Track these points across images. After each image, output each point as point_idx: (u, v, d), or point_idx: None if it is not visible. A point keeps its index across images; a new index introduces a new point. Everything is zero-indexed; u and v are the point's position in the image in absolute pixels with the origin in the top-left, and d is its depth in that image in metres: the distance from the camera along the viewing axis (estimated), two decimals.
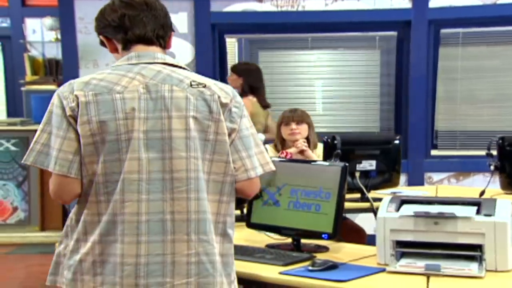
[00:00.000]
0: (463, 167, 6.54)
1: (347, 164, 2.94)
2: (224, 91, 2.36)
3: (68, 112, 2.23)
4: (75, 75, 6.78)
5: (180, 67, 2.37)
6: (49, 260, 2.39)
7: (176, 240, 2.21)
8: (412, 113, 6.64)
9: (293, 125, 4.79)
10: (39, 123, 2.32)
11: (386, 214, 2.75)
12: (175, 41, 6.58)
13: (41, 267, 6.10)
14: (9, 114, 8.74)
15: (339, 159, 4.09)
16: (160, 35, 2.40)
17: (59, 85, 8.14)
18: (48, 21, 8.45)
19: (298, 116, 4.82)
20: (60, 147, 2.22)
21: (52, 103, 2.28)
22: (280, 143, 4.89)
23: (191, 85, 2.30)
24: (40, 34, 8.78)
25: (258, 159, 2.38)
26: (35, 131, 2.32)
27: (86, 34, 6.90)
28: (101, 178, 2.22)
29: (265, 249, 3.01)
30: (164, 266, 2.20)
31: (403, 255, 2.75)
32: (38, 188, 7.12)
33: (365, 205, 4.10)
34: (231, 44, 7.21)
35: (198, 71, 6.60)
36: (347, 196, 4.23)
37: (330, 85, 7.07)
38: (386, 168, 4.30)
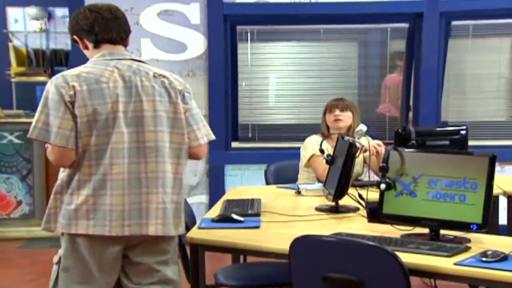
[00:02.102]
0: None
1: (495, 154, 2.84)
2: (178, 81, 3.09)
3: (67, 99, 2.85)
4: None
5: (143, 62, 3.07)
6: None
7: (149, 193, 2.93)
8: (423, 105, 6.63)
9: (337, 111, 4.71)
10: None
11: None
12: (187, 32, 6.42)
13: None
14: None
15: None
16: (122, 37, 3.06)
17: (51, 77, 7.85)
18: (33, 10, 8.09)
19: (342, 103, 4.74)
20: (60, 125, 2.83)
21: (48, 91, 2.88)
22: (327, 131, 4.81)
23: (154, 76, 3.02)
24: (23, 24, 8.37)
25: (204, 131, 3.13)
26: None
27: None
28: (93, 148, 2.87)
29: (413, 240, 2.89)
30: (140, 211, 2.91)
31: None
32: (43, 182, 6.77)
33: None
34: None
35: (210, 62, 6.51)
36: None
37: (311, 76, 6.96)
38: None
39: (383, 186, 3.01)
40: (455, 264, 2.56)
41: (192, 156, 3.11)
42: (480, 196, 2.82)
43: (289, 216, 3.48)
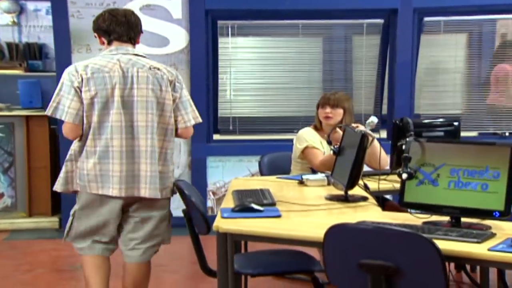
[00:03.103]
0: None
1: None
2: (171, 72, 3.72)
3: (76, 85, 3.53)
4: (68, 60, 6.40)
5: (144, 57, 3.70)
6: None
7: (140, 163, 3.60)
8: (398, 97, 6.72)
9: (328, 109, 4.73)
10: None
11: None
12: (170, 27, 6.40)
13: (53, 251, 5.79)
14: None
15: None
16: (131, 37, 3.70)
17: (26, 70, 7.70)
18: (4, 3, 7.92)
19: (334, 100, 4.74)
20: (69, 105, 3.53)
21: (63, 77, 3.58)
22: (319, 124, 4.83)
23: (150, 68, 3.63)
24: None
25: (192, 115, 3.74)
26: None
27: (79, 19, 6.52)
28: (97, 125, 3.56)
29: (438, 227, 2.93)
30: (134, 177, 3.59)
31: None
32: (25, 174, 6.64)
33: None
34: None
35: (192, 56, 6.48)
36: None
37: (290, 70, 6.98)
38: None
39: (405, 175, 3.04)
40: (489, 249, 2.60)
41: (180, 135, 3.79)
42: (503, 184, 2.87)
43: (305, 205, 3.49)
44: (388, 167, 4.42)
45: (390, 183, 4.13)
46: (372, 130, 3.70)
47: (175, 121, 3.70)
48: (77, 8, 6.48)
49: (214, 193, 6.62)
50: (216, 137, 6.75)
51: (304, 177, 4.16)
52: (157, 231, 3.78)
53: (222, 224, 3.11)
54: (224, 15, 6.66)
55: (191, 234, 3.69)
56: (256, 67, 6.80)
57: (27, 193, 6.62)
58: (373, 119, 3.88)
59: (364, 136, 3.53)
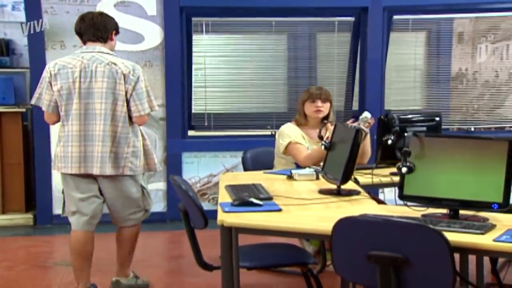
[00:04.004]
0: None
1: None
2: (126, 67, 4.18)
3: (47, 80, 4.19)
4: (42, 57, 6.35)
5: (107, 53, 4.22)
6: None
7: (95, 145, 4.14)
8: (369, 94, 6.80)
9: (319, 103, 4.78)
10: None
11: None
12: (144, 23, 6.35)
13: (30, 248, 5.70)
14: None
15: (396, 135, 4.16)
16: (99, 36, 4.25)
17: None
18: None
19: (324, 94, 4.81)
20: (45, 97, 4.22)
21: (43, 73, 4.24)
22: (304, 119, 4.86)
23: (107, 64, 4.15)
24: None
25: (148, 105, 4.19)
26: None
27: (53, 15, 6.42)
28: (64, 113, 4.16)
29: (439, 219, 2.98)
30: (92, 157, 4.15)
31: None
32: None
33: None
34: None
35: (167, 52, 6.45)
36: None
37: (263, 67, 7.00)
38: None
39: (404, 169, 3.09)
40: (495, 240, 2.66)
41: (136, 122, 4.24)
42: (501, 177, 2.93)
43: (301, 199, 3.51)
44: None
45: (377, 177, 4.17)
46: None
47: (130, 110, 4.17)
48: (50, 4, 6.39)
49: None
50: (191, 133, 6.73)
51: (293, 171, 4.17)
52: (130, 201, 4.33)
53: (226, 218, 3.11)
54: (198, 12, 6.64)
55: (187, 228, 3.68)
56: (230, 64, 6.79)
57: (1, 190, 6.49)
58: (367, 114, 3.92)
59: (358, 132, 3.57)
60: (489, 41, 7.18)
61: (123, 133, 4.18)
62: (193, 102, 6.77)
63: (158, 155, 6.54)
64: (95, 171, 4.16)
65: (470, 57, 7.19)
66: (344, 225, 2.76)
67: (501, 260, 4.49)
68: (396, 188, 4.17)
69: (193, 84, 6.75)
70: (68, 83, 4.13)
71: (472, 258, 4.15)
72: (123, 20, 6.39)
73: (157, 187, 6.59)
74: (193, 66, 6.73)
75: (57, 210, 6.31)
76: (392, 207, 3.30)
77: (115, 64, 4.15)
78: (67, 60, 4.19)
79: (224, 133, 6.75)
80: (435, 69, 7.21)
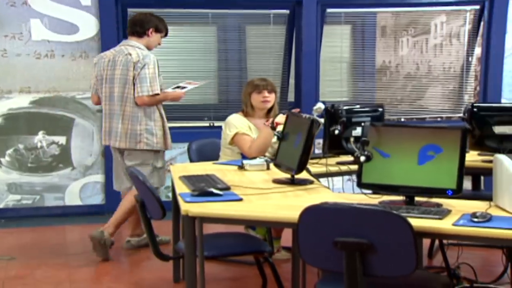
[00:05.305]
0: None
1: (468, 127, 3.12)
2: (138, 56, 4.95)
3: (93, 68, 5.17)
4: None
5: (131, 46, 5.04)
6: None
7: (113, 122, 5.04)
8: (305, 85, 6.91)
9: (266, 93, 4.86)
10: None
11: None
12: (78, 13, 6.27)
13: None
14: None
15: (343, 125, 4.27)
16: (135, 31, 5.12)
17: None
18: None
19: (270, 85, 4.90)
20: (91, 81, 5.26)
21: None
22: (251, 110, 4.92)
23: (126, 54, 4.97)
24: None
25: (148, 87, 4.89)
26: None
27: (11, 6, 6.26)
28: (101, 95, 5.10)
29: (397, 206, 3.09)
30: (112, 132, 5.06)
31: None
32: None
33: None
34: None
35: (103, 44, 6.38)
36: (341, 159, 4.45)
37: (200, 59, 7.04)
38: None
39: (363, 158, 3.18)
40: (454, 224, 2.79)
41: (137, 102, 4.95)
42: (455, 164, 3.07)
43: (258, 189, 3.57)
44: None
45: (323, 166, 4.26)
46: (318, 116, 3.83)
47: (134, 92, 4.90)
48: None
49: None
50: None
51: (244, 162, 4.22)
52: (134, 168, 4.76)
53: (190, 208, 3.14)
54: (134, 3, 6.58)
55: (143, 219, 3.68)
56: (167, 55, 6.75)
57: None
58: (320, 105, 4.01)
59: (313, 122, 3.64)
60: (409, 34, 7.38)
61: (133, 112, 4.94)
62: None
63: (95, 148, 6.49)
64: (113, 144, 5.06)
65: (393, 50, 7.39)
66: (311, 212, 2.83)
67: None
68: (344, 177, 4.34)
69: None
70: (101, 71, 5.05)
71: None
72: (56, 9, 6.31)
73: (95, 179, 6.52)
74: None
75: None
76: (348, 195, 3.40)
77: (130, 54, 4.93)
78: (107, 52, 5.15)
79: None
80: (360, 62, 7.37)
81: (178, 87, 5.20)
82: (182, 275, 4.45)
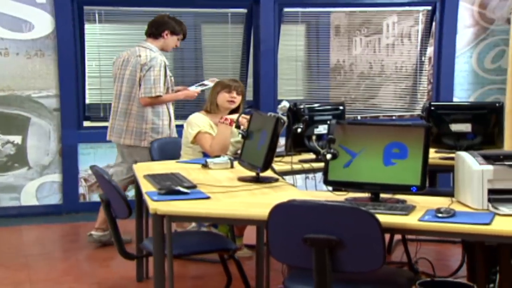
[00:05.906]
0: None
1: (431, 125, 3.19)
2: (146, 58, 5.15)
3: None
4: None
5: (144, 47, 5.24)
6: None
7: (117, 119, 5.26)
8: (263, 84, 6.96)
9: (235, 94, 4.90)
10: None
11: (483, 167, 3.04)
12: (33, 11, 6.23)
13: None
14: None
15: (305, 124, 4.33)
16: (151, 32, 5.32)
17: None
18: None
19: (240, 87, 4.95)
20: None
21: None
22: (215, 108, 4.94)
23: (136, 56, 5.18)
24: None
25: (151, 89, 5.10)
26: None
27: None
28: (113, 93, 5.36)
29: (364, 202, 3.14)
30: (115, 129, 5.27)
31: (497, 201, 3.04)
32: None
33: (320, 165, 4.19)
34: None
35: (59, 41, 6.32)
36: (304, 157, 4.51)
37: None
38: None
39: (329, 156, 3.22)
40: (419, 220, 2.86)
41: (141, 102, 5.17)
42: (418, 161, 3.15)
43: (224, 187, 3.59)
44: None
45: (288, 164, 4.30)
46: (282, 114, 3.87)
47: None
48: None
49: (86, 180, 6.52)
50: (87, 124, 6.61)
51: (208, 160, 4.24)
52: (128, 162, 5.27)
53: (159, 206, 3.15)
54: (90, 1, 6.52)
55: (108, 218, 3.67)
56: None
57: None
58: (285, 104, 4.04)
59: (278, 120, 3.68)
60: (363, 34, 7.48)
61: (140, 111, 5.16)
62: (87, 93, 6.65)
63: (52, 147, 6.42)
64: (116, 140, 5.28)
65: (347, 49, 7.48)
66: (281, 210, 2.87)
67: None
68: (306, 175, 4.39)
69: (88, 75, 6.62)
70: (115, 70, 5.31)
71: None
72: (10, 6, 6.23)
73: (52, 179, 6.45)
74: (87, 56, 6.60)
75: None
76: (314, 192, 3.46)
77: (140, 56, 5.15)
78: (124, 52, 5.31)
79: None
80: (315, 61, 7.44)
81: (202, 84, 5.45)
82: (145, 274, 4.44)
